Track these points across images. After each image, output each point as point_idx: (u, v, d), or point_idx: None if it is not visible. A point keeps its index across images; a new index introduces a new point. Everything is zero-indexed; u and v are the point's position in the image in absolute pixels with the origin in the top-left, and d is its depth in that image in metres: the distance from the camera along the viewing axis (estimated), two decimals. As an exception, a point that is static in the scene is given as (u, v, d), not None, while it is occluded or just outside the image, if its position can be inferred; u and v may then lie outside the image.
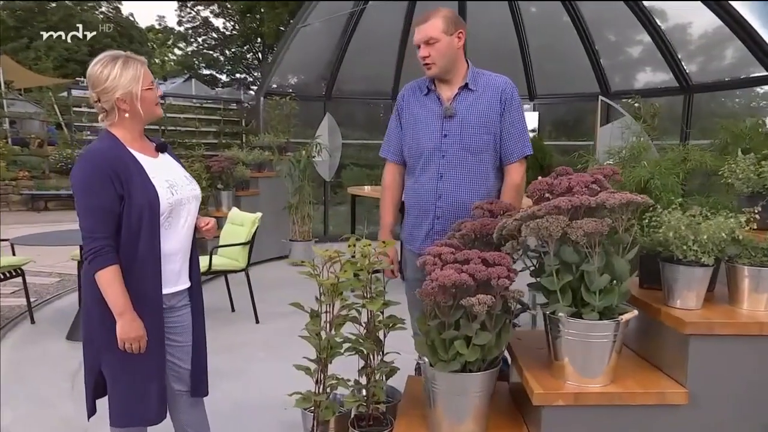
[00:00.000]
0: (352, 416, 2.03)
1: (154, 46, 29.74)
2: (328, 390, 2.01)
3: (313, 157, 7.00)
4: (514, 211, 2.15)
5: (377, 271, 1.98)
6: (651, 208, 1.77)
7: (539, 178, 2.01)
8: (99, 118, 1.92)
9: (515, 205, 2.21)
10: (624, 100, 6.30)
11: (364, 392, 2.04)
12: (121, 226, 1.80)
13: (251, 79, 26.74)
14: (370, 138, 9.70)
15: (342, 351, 1.95)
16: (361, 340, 1.98)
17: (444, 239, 2.07)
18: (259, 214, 4.58)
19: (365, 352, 1.96)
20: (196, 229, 2.08)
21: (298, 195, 6.76)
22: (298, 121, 7.68)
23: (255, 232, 4.49)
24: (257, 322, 4.57)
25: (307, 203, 6.84)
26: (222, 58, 27.72)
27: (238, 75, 27.82)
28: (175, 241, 1.94)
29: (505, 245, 1.82)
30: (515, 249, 1.81)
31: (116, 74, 1.83)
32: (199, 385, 2.09)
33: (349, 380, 2.03)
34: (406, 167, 2.44)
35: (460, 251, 1.82)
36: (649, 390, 1.66)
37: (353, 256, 1.98)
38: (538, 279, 1.76)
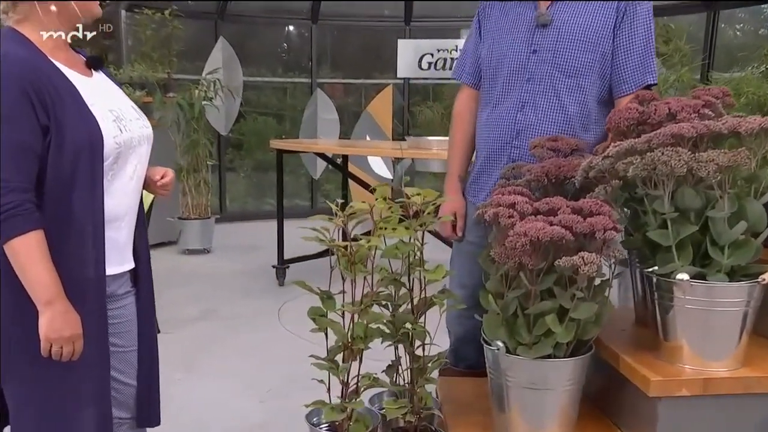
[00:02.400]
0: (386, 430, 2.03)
1: None
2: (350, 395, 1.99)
3: (210, 98, 6.80)
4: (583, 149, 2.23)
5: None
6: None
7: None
8: (1, 8, 1.76)
9: None
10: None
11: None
12: (45, 174, 1.66)
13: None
14: (275, 75, 9.56)
15: (380, 339, 1.93)
16: (393, 325, 1.97)
17: (496, 188, 2.10)
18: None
19: (412, 341, 1.95)
20: (146, 183, 1.99)
21: (189, 154, 6.59)
22: (181, 48, 7.42)
23: (151, 204, 4.31)
24: (158, 332, 4.42)
25: (204, 166, 6.68)
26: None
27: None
28: (120, 199, 1.84)
29: (596, 190, 1.87)
30: (609, 194, 1.86)
31: None
32: (149, 410, 2.03)
33: (377, 377, 2.01)
34: None
35: (535, 200, 1.86)
36: (796, 373, 1.76)
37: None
38: (645, 233, 1.82)
